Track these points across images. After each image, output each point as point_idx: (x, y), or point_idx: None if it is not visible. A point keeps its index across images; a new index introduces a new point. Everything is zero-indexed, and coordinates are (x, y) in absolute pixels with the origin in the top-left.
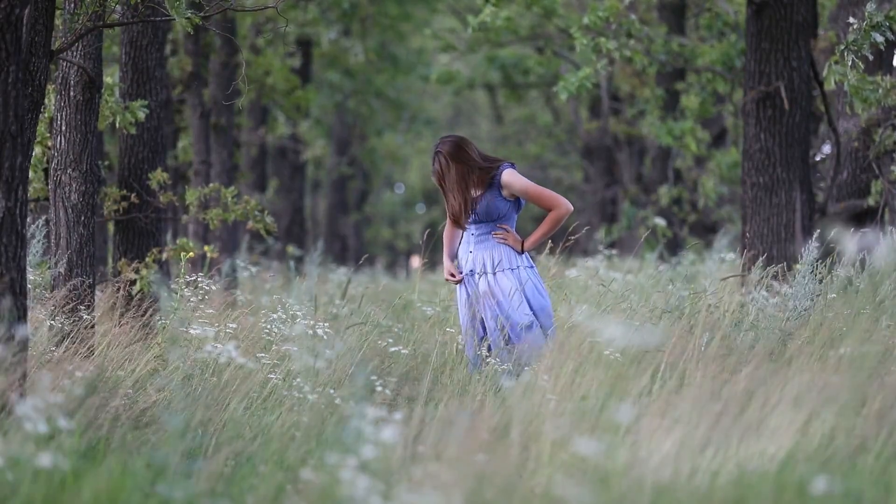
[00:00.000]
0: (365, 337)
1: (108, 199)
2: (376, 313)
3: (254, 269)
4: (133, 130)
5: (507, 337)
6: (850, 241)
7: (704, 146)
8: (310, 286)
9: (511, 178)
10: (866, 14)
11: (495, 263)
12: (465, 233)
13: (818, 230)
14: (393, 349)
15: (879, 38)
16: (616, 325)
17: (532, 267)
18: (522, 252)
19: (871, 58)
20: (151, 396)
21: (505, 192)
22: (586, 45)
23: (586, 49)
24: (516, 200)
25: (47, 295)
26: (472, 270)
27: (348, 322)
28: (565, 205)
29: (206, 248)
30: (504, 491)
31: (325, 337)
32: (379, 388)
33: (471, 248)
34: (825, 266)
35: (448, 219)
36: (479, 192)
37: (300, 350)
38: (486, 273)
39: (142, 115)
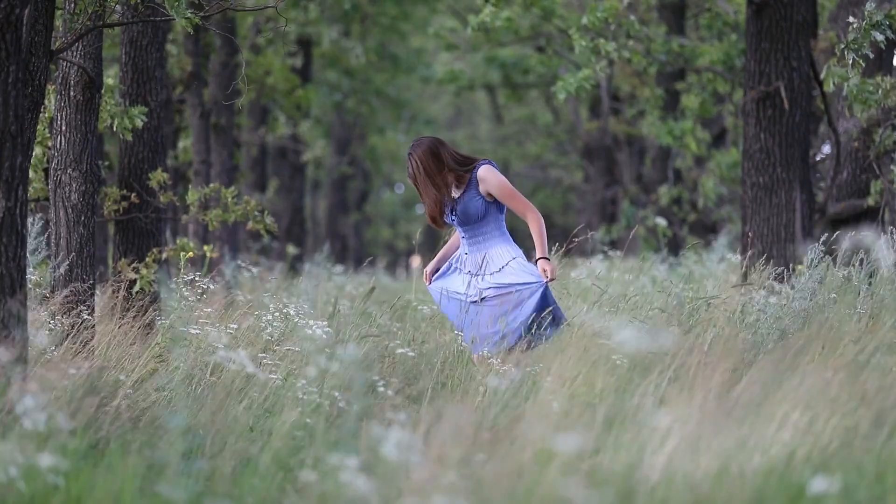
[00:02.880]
0: (367, 338)
1: (108, 199)
2: (378, 315)
3: (255, 270)
4: (130, 137)
5: (506, 338)
6: (849, 242)
7: (704, 146)
8: (309, 288)
9: (486, 173)
10: (866, 13)
11: (490, 265)
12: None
13: (818, 230)
14: (399, 351)
15: (879, 37)
16: (624, 328)
17: (520, 257)
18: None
19: (871, 56)
20: (151, 396)
21: (481, 189)
22: (585, 46)
23: (585, 51)
24: (495, 200)
25: (47, 295)
26: (469, 271)
27: (356, 327)
28: (538, 214)
29: (205, 247)
30: (506, 491)
31: (325, 336)
32: (381, 389)
33: (466, 251)
34: (825, 266)
35: (427, 220)
36: (458, 194)
37: (314, 353)
38: (483, 274)
39: (139, 122)
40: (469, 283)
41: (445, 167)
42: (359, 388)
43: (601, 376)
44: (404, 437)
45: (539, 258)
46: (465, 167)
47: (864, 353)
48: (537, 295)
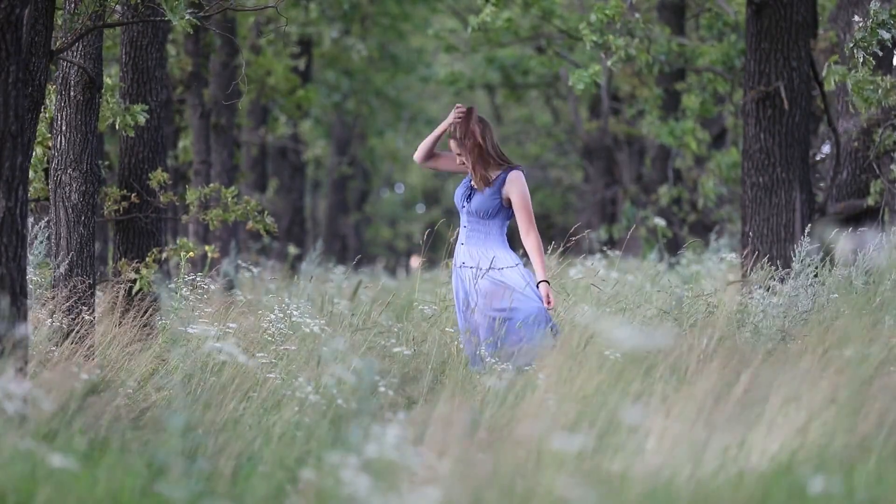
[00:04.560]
0: (365, 337)
1: (109, 199)
2: (378, 314)
3: (255, 271)
4: (132, 133)
5: (500, 336)
6: (849, 241)
7: (704, 146)
8: (308, 287)
9: (517, 178)
10: (871, 12)
11: (487, 262)
12: (460, 226)
13: (818, 230)
14: (396, 349)
15: (886, 35)
16: (621, 327)
17: (520, 265)
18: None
19: (880, 54)
20: (151, 396)
21: (504, 190)
22: (595, 41)
23: (597, 46)
24: (509, 206)
25: (47, 295)
26: (462, 263)
27: (354, 325)
28: (539, 237)
29: (207, 248)
30: (504, 491)
31: (323, 335)
32: (382, 389)
33: (462, 241)
34: (825, 266)
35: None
36: (481, 186)
37: (330, 359)
38: (477, 268)
39: (142, 119)
40: (464, 288)
41: (487, 147)
42: (364, 387)
43: (599, 375)
44: (402, 436)
45: (540, 281)
46: (500, 160)
47: (864, 353)
48: (541, 324)
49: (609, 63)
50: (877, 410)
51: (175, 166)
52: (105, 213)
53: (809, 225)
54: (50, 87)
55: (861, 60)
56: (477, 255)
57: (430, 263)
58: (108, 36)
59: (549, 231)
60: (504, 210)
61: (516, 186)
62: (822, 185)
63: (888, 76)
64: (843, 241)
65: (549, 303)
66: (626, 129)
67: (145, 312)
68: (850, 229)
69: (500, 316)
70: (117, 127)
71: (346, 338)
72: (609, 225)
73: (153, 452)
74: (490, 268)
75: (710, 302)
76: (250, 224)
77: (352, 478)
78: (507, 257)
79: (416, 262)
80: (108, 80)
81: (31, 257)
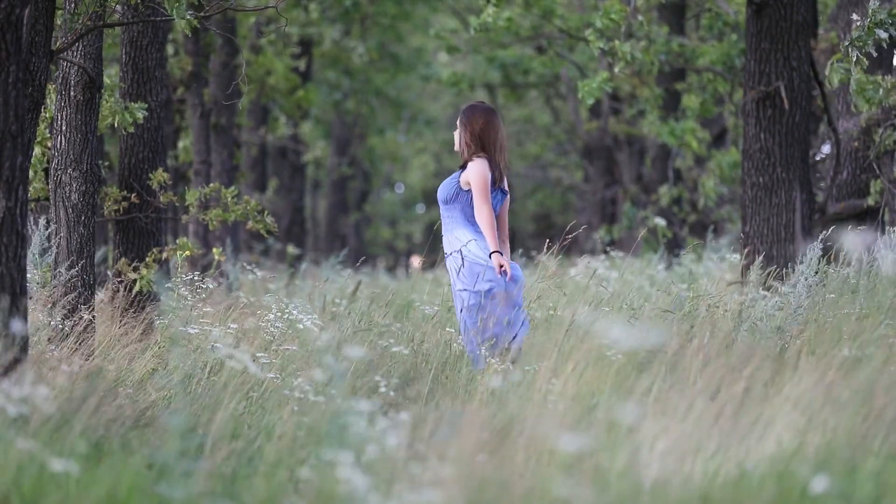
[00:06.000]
0: (365, 337)
1: (109, 199)
2: (378, 314)
3: (259, 274)
4: (131, 129)
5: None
6: (849, 241)
7: (704, 146)
8: (308, 287)
9: (474, 163)
10: (870, 11)
11: (458, 244)
12: None
13: (818, 230)
14: (395, 349)
15: (883, 35)
16: (619, 326)
17: (476, 239)
18: (501, 252)
19: (874, 54)
20: (151, 396)
21: (463, 176)
22: (603, 48)
23: (605, 54)
24: (469, 191)
25: (47, 295)
26: (448, 253)
27: (353, 325)
28: (491, 213)
29: (214, 250)
30: (504, 491)
31: (318, 330)
32: (383, 389)
33: (443, 231)
34: (825, 266)
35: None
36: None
37: (321, 353)
38: (451, 254)
39: (140, 115)
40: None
41: (470, 135)
42: (344, 383)
43: (599, 375)
44: (401, 435)
45: (492, 252)
46: (475, 150)
47: (863, 353)
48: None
49: (617, 69)
50: (877, 410)
51: (175, 166)
52: (105, 213)
53: (812, 226)
54: (50, 87)
55: (855, 60)
56: (450, 240)
57: (431, 264)
58: (108, 36)
59: (550, 231)
60: (463, 193)
61: (472, 169)
62: (822, 185)
63: (888, 76)
64: (847, 240)
65: (500, 268)
66: (626, 129)
67: (143, 310)
68: (851, 229)
69: (483, 290)
70: (116, 125)
71: (341, 334)
72: (609, 225)
73: (153, 452)
74: (461, 248)
75: (710, 302)
76: (250, 224)
77: (349, 476)
78: (468, 232)
79: (416, 262)
80: (107, 80)
81: (31, 257)
